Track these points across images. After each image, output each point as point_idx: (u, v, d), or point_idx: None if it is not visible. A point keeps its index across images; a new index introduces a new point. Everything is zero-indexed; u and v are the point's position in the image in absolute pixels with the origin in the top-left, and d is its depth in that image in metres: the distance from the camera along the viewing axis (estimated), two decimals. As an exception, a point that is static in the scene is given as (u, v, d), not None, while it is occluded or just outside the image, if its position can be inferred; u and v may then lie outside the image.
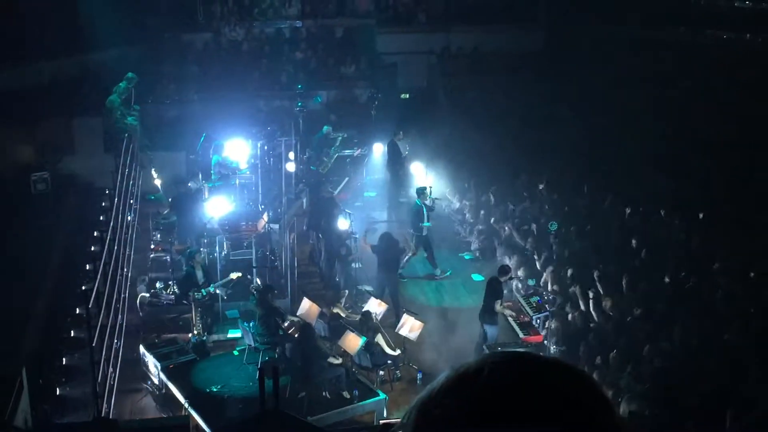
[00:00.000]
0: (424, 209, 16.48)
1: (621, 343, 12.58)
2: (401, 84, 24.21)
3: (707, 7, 22.99)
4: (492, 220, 17.77)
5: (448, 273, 16.88)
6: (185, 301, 14.33)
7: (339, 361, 12.73)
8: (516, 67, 23.32)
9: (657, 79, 20.62)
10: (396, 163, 19.37)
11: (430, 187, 17.06)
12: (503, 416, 1.18)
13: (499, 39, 24.24)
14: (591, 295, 13.90)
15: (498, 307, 13.62)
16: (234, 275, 14.81)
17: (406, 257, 16.30)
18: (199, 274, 14.59)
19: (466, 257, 17.36)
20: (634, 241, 15.45)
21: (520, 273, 15.37)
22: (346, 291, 15.19)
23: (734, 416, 10.47)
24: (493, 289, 13.70)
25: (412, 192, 20.12)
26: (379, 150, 20.17)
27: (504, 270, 14.05)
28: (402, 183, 19.38)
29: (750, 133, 17.63)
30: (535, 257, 15.75)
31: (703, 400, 11.09)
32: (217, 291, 14.50)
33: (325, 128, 20.36)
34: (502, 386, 1.21)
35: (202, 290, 14.15)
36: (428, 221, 16.55)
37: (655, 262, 14.69)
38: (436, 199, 17.12)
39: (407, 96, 23.67)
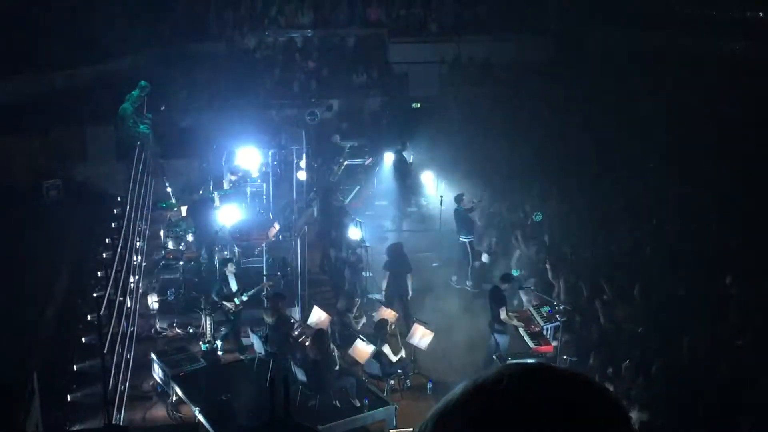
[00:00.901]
0: (467, 212, 16.91)
1: (632, 353, 12.54)
2: (412, 93, 24.26)
3: (715, 16, 22.93)
4: (503, 228, 17.75)
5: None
6: (220, 306, 14.29)
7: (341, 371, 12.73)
8: (526, 76, 23.31)
9: (666, 87, 20.57)
10: (403, 173, 19.44)
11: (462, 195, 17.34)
12: (518, 427, 1.18)
13: (510, 48, 24.26)
14: (602, 304, 13.86)
15: (503, 315, 13.59)
16: (266, 283, 14.87)
17: (470, 266, 16.69)
18: (233, 282, 14.57)
19: (476, 265, 17.34)
20: (646, 250, 15.40)
21: (530, 283, 15.34)
22: (357, 300, 15.19)
23: (747, 425, 10.41)
24: (496, 298, 13.71)
25: (423, 201, 20.22)
26: (389, 159, 20.20)
27: (506, 278, 14.05)
28: (410, 193, 19.43)
29: (763, 139, 17.56)
30: (547, 266, 15.71)
31: (714, 409, 11.04)
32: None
33: (334, 137, 20.48)
34: (520, 399, 1.21)
35: (235, 299, 14.13)
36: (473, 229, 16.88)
37: (667, 271, 14.64)
38: (475, 201, 17.52)
39: (418, 105, 23.71)
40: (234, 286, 14.47)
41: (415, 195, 19.89)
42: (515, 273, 15.39)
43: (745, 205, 15.88)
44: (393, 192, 20.01)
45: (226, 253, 16.01)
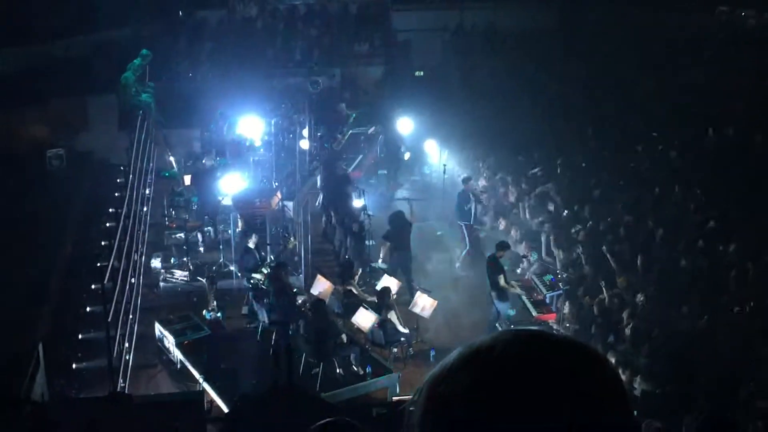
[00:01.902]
0: (471, 196, 16.39)
1: (634, 323, 12.58)
2: (415, 62, 24.12)
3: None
4: (506, 199, 17.74)
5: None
6: (250, 283, 14.17)
7: (345, 340, 12.78)
8: (529, 46, 23.16)
9: (669, 60, 20.46)
10: (394, 145, 19.52)
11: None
12: (512, 396, 1.18)
13: (514, 16, 24.09)
14: (603, 274, 13.89)
15: (502, 281, 13.65)
16: (291, 243, 14.90)
17: (462, 253, 16.34)
18: (256, 253, 14.55)
19: (480, 235, 17.34)
20: (648, 222, 15.39)
21: (533, 252, 15.37)
22: (360, 268, 15.23)
23: (747, 395, 10.47)
24: (493, 266, 13.75)
25: (425, 169, 20.19)
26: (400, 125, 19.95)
27: (501, 245, 14.08)
28: (399, 165, 19.60)
29: (763, 111, 17.50)
30: (551, 237, 15.73)
31: (715, 379, 11.10)
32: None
33: (340, 105, 20.40)
34: (513, 365, 1.21)
35: (263, 269, 14.08)
36: (474, 213, 16.40)
37: (669, 243, 14.65)
38: (482, 191, 17.11)
39: (421, 74, 23.59)
40: (257, 257, 14.44)
41: (407, 168, 20.00)
42: (534, 257, 15.36)
43: (746, 175, 15.85)
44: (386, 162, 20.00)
45: (232, 223, 15.96)
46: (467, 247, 16.23)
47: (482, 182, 18.73)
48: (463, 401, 1.21)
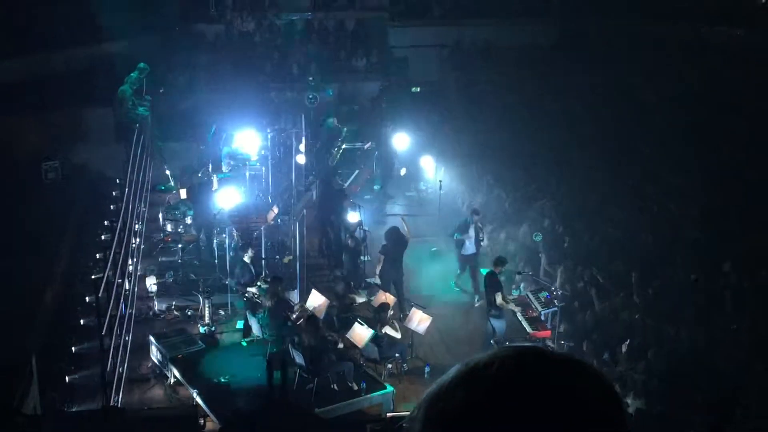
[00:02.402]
0: (473, 226, 15.81)
1: (629, 340, 12.57)
2: (412, 77, 24.19)
3: (715, 3, 22.82)
4: (503, 214, 17.75)
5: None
6: (245, 297, 14.11)
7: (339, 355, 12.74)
8: (528, 61, 23.25)
9: (668, 73, 20.54)
10: (388, 160, 19.56)
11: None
12: (510, 412, 1.18)
13: (512, 33, 24.18)
14: (597, 291, 13.88)
15: (499, 299, 13.62)
16: (287, 258, 14.86)
17: (456, 276, 16.19)
18: (252, 267, 14.52)
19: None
20: (644, 238, 15.41)
21: (528, 269, 15.37)
22: (353, 284, 15.21)
23: (743, 414, 10.45)
24: (491, 283, 13.72)
25: (422, 185, 20.21)
26: (397, 141, 19.97)
27: (499, 261, 14.05)
28: (392, 181, 19.68)
29: (763, 128, 17.55)
30: (546, 253, 15.73)
31: (710, 397, 11.08)
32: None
33: (330, 121, 20.40)
34: (510, 382, 1.21)
35: (258, 283, 14.03)
36: (473, 243, 15.80)
37: (665, 260, 14.66)
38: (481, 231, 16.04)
39: (418, 89, 23.65)
40: (253, 272, 14.42)
41: (395, 183, 20.08)
42: (537, 238, 15.45)
43: (744, 192, 15.89)
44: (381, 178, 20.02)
45: (228, 237, 15.93)
46: (459, 272, 16.18)
47: (479, 198, 18.76)
48: (460, 418, 1.20)
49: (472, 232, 15.78)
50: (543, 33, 24.58)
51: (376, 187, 19.97)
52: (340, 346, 12.81)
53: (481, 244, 15.93)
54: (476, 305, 15.52)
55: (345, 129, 20.26)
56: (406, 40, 24.50)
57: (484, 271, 16.17)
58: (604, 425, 1.21)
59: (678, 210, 16.20)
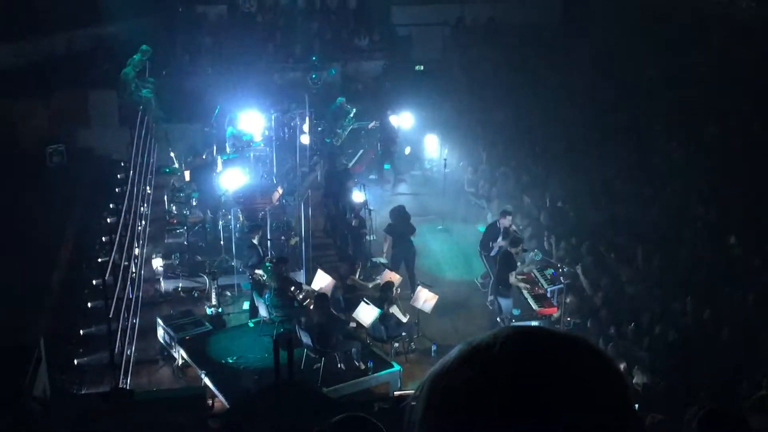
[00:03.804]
0: (502, 230, 14.61)
1: (635, 316, 12.58)
2: (415, 56, 24.08)
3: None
4: (507, 192, 17.73)
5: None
6: (252, 278, 14.10)
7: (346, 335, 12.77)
8: (530, 39, 23.10)
9: (670, 49, 20.41)
10: (388, 140, 19.42)
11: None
12: (512, 392, 1.18)
13: (514, 10, 24.02)
14: (603, 267, 13.88)
15: (512, 278, 13.63)
16: (293, 240, 14.86)
17: (481, 280, 15.30)
18: (260, 249, 14.52)
19: (481, 229, 17.32)
20: (650, 214, 15.38)
21: (534, 245, 15.35)
22: (360, 263, 15.23)
23: (749, 388, 10.47)
24: (506, 261, 13.70)
25: (426, 164, 20.16)
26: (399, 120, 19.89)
27: (515, 241, 14.02)
28: (395, 160, 19.55)
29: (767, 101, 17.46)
30: (550, 229, 15.71)
31: (716, 372, 11.09)
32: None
33: (339, 100, 20.32)
34: (512, 361, 1.21)
35: (266, 264, 14.02)
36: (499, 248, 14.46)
37: (670, 235, 14.64)
38: (516, 233, 14.70)
39: (421, 68, 23.55)
40: (261, 253, 14.41)
41: (407, 163, 19.95)
42: (537, 257, 14.71)
43: (749, 167, 15.83)
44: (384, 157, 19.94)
45: (233, 218, 15.92)
46: (490, 277, 14.74)
47: (481, 174, 18.71)
48: (463, 397, 1.21)
49: (502, 240, 14.28)
50: (547, 10, 24.40)
51: (386, 167, 19.90)
52: (353, 325, 12.82)
53: (524, 254, 14.47)
54: (478, 281, 15.40)
55: (354, 109, 20.18)
56: (409, 18, 24.36)
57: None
58: (607, 404, 1.21)
59: (684, 185, 16.15)
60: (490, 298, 14.37)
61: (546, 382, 1.19)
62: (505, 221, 14.63)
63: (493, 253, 14.50)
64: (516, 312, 13.97)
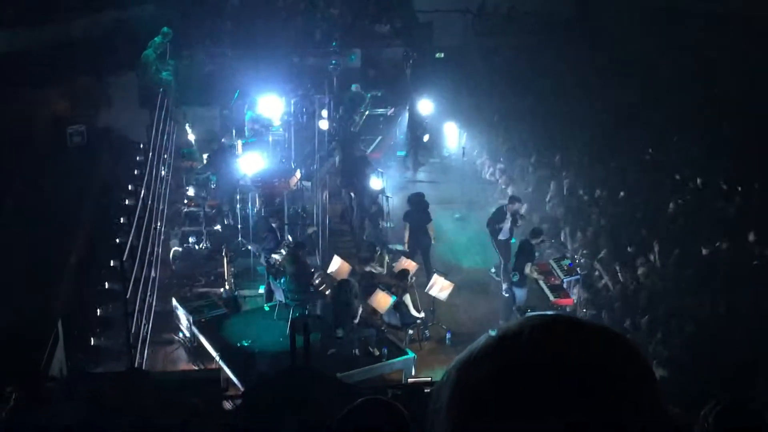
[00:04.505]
0: (509, 215, 14.81)
1: (651, 309, 12.52)
2: (436, 43, 23.98)
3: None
4: (525, 183, 17.67)
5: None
6: (266, 261, 14.14)
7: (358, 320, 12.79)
8: (550, 28, 22.93)
9: (689, 46, 20.24)
10: (416, 126, 19.36)
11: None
12: (539, 382, 1.17)
13: (536, -1, 23.86)
14: (621, 261, 13.81)
15: (528, 269, 13.60)
16: (311, 229, 14.91)
17: (494, 270, 15.32)
18: (278, 233, 14.55)
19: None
20: (669, 208, 15.28)
21: (551, 236, 15.30)
22: (378, 250, 15.22)
23: (764, 384, 10.41)
24: (525, 251, 13.67)
25: (445, 152, 20.12)
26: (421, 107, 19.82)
27: (536, 232, 13.99)
28: (420, 148, 19.44)
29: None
30: (568, 220, 15.66)
31: (735, 367, 11.03)
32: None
33: (353, 87, 20.29)
34: (541, 349, 1.20)
35: (282, 250, 14.05)
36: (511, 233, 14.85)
37: (688, 230, 14.55)
38: (521, 216, 15.15)
39: (442, 55, 23.46)
40: (279, 238, 14.45)
41: (426, 150, 19.83)
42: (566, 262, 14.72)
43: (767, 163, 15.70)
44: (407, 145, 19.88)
45: (251, 202, 15.96)
46: (501, 261, 14.99)
47: (500, 165, 18.65)
48: (490, 387, 1.20)
49: (507, 223, 14.75)
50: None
51: (399, 153, 19.88)
52: (356, 321, 12.82)
53: (517, 225, 14.87)
54: (492, 272, 15.37)
55: (369, 95, 20.13)
56: (431, 4, 24.24)
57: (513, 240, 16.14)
58: (636, 397, 1.20)
59: (703, 179, 16.03)
60: (505, 286, 14.37)
61: (574, 374, 1.17)
62: (513, 207, 14.83)
63: (500, 237, 14.71)
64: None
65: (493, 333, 1.26)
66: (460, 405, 1.23)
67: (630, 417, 1.18)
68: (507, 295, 14.25)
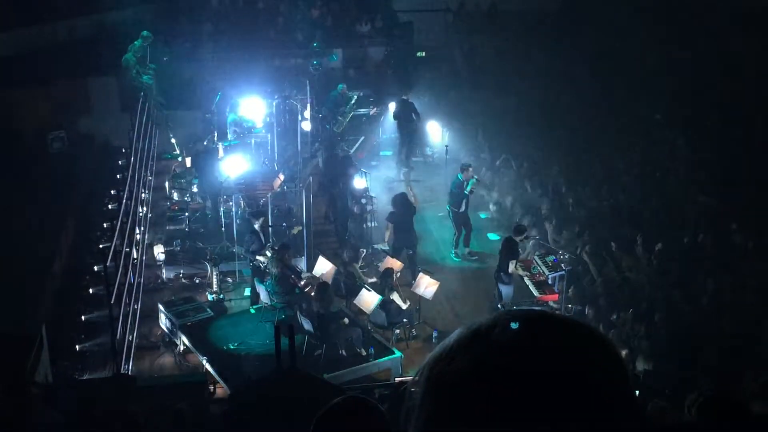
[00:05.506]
0: (466, 185, 15.53)
1: (636, 302, 12.59)
2: (417, 42, 23.99)
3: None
4: (508, 179, 17.71)
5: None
6: (252, 263, 14.10)
7: (347, 321, 12.78)
8: (532, 26, 22.99)
9: (673, 39, 20.33)
10: (406, 121, 19.25)
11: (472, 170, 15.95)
12: (511, 376, 1.17)
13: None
14: (604, 255, 13.87)
15: (512, 267, 13.61)
16: (296, 229, 14.87)
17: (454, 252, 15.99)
18: (261, 235, 14.48)
19: (482, 216, 17.33)
20: (650, 201, 15.37)
21: (535, 233, 15.34)
22: (363, 250, 15.22)
23: (752, 376, 10.48)
24: (509, 249, 13.70)
25: (428, 151, 20.11)
26: (393, 108, 19.87)
27: (520, 230, 14.02)
28: (413, 142, 19.31)
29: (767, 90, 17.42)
30: (551, 217, 15.70)
31: (719, 359, 11.10)
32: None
33: (340, 87, 20.23)
34: (513, 344, 1.20)
35: (267, 252, 14.00)
36: (466, 205, 15.71)
37: (671, 222, 14.64)
38: (475, 182, 15.78)
39: (423, 54, 23.46)
40: (263, 240, 14.39)
41: (421, 143, 19.73)
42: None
43: (749, 156, 15.81)
44: (396, 142, 19.77)
45: (234, 205, 15.90)
46: (455, 233, 15.97)
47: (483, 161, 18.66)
48: (463, 381, 1.20)
49: (466, 191, 15.53)
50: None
51: (384, 153, 19.81)
52: (345, 321, 12.79)
53: (465, 193, 15.47)
54: (453, 256, 15.71)
55: (354, 96, 20.07)
56: (411, 4, 24.26)
57: (492, 237, 16.19)
58: (607, 390, 1.20)
59: (685, 172, 16.14)
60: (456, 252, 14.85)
61: (545, 367, 1.18)
62: (468, 173, 15.57)
63: (460, 210, 15.59)
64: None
65: (464, 329, 1.27)
66: (434, 400, 1.23)
67: (601, 411, 1.18)
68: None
